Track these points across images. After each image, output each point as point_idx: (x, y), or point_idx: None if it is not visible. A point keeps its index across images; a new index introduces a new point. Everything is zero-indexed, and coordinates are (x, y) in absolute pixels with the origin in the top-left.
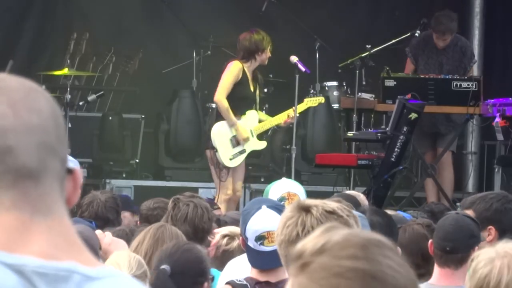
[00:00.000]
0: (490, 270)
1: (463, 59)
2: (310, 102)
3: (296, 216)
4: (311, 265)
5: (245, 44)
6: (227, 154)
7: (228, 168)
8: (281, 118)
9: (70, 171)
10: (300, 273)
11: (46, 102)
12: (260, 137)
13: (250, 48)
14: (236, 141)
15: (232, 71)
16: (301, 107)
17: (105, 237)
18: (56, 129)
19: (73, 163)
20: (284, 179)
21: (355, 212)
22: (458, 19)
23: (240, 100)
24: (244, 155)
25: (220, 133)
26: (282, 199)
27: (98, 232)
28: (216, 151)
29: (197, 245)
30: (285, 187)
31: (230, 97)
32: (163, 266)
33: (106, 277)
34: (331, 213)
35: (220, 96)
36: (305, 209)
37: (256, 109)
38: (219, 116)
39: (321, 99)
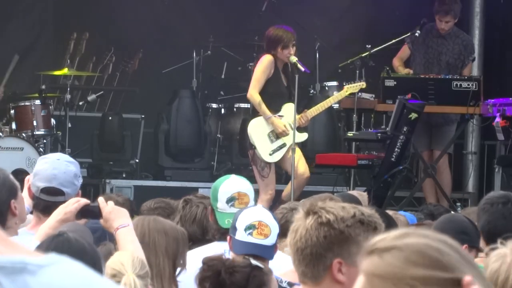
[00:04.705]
0: (500, 265)
1: (463, 52)
2: (351, 88)
3: (299, 220)
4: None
5: (267, 37)
6: (266, 149)
7: (269, 164)
8: (325, 105)
9: None
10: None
11: None
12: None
13: (268, 45)
14: (274, 136)
15: (263, 63)
16: (341, 95)
17: (106, 205)
18: None
19: (73, 164)
20: (233, 176)
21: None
22: (459, 19)
23: (274, 96)
24: (285, 149)
25: (256, 129)
26: (232, 199)
27: (100, 200)
28: (255, 147)
29: None
30: (235, 187)
31: (264, 93)
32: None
33: (53, 263)
34: (324, 224)
35: (252, 91)
36: (307, 215)
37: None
38: (254, 112)
39: (362, 84)
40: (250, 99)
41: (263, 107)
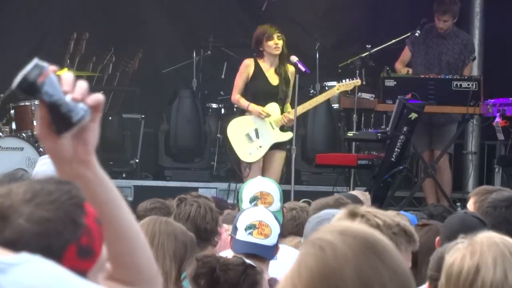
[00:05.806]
0: (455, 258)
1: (464, 51)
2: (343, 86)
3: (341, 220)
4: None
5: (253, 37)
6: (245, 150)
7: (250, 165)
8: (312, 104)
9: None
10: None
11: None
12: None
13: (254, 43)
14: (254, 135)
15: (239, 70)
16: (331, 93)
17: None
18: None
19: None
20: (259, 177)
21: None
22: (459, 19)
23: (256, 95)
24: (265, 149)
25: (234, 131)
26: (254, 198)
27: None
28: (232, 149)
29: None
30: (258, 187)
31: (246, 93)
32: None
33: (25, 262)
34: (374, 228)
35: (232, 96)
36: (352, 216)
37: (281, 102)
38: (239, 114)
39: (357, 82)
40: (233, 102)
41: (242, 100)
